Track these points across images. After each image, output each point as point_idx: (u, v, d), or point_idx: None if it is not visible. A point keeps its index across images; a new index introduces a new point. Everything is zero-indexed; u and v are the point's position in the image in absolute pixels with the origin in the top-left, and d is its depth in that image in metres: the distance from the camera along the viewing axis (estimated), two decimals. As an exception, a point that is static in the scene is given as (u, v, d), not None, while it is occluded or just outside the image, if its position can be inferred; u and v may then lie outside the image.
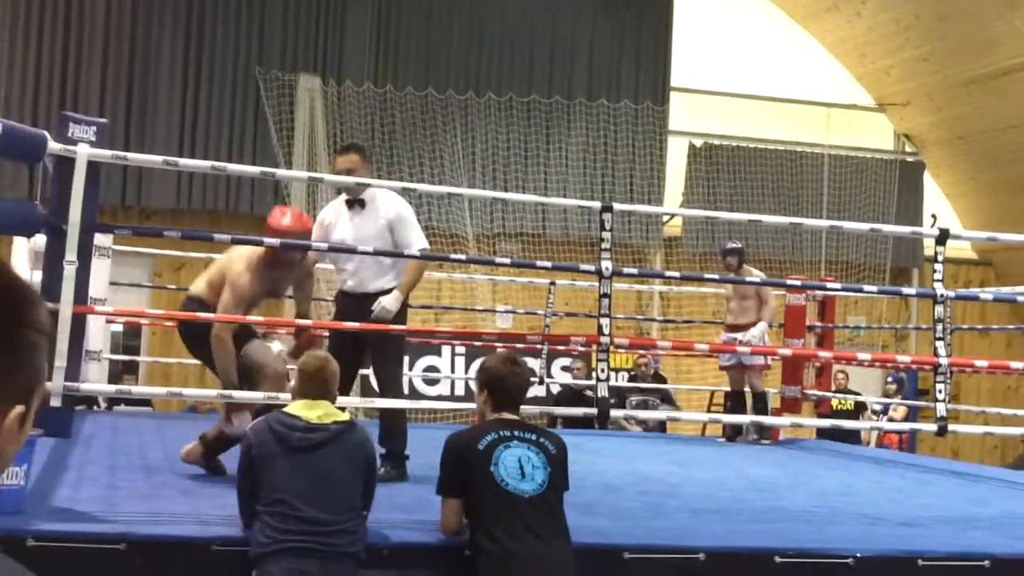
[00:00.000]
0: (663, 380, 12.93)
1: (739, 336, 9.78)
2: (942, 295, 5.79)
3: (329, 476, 3.92)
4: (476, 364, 13.97)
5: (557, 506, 4.07)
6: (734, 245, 10.14)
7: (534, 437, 4.13)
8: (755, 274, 10.09)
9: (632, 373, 13.19)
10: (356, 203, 5.87)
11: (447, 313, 13.83)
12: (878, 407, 13.38)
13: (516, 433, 4.11)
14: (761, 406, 10.07)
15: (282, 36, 14.70)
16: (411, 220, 5.97)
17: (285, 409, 4.11)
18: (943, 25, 15.31)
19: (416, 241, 5.91)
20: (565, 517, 4.08)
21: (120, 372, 12.43)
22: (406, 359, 13.49)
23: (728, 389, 10.50)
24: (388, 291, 5.91)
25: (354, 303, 5.99)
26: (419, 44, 15.15)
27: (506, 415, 4.20)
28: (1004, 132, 15.86)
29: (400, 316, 5.99)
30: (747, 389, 10.07)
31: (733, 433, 10.25)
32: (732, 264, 9.98)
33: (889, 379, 13.95)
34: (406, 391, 13.56)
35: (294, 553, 3.73)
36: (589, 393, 11.05)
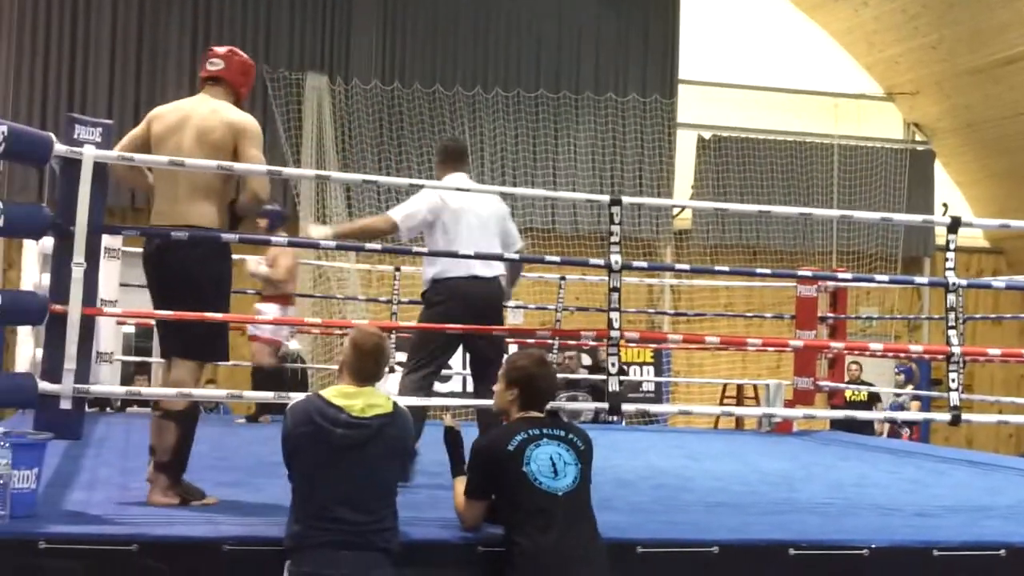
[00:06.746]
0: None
1: (261, 307, 8.89)
2: (954, 284, 5.73)
3: (369, 475, 3.83)
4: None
5: (588, 502, 4.05)
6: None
7: (563, 434, 4.10)
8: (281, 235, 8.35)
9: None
10: None
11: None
12: (902, 399, 13.26)
13: (545, 431, 4.07)
14: (271, 386, 8.32)
15: (289, 34, 14.73)
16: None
17: (326, 394, 3.88)
18: (951, 13, 15.23)
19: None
20: (594, 512, 4.06)
21: (132, 373, 12.46)
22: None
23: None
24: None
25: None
26: (426, 41, 15.16)
27: (533, 414, 4.18)
28: (1014, 120, 15.78)
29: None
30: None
31: (258, 412, 9.17)
32: (263, 227, 8.63)
33: (897, 370, 13.86)
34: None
35: (329, 546, 3.71)
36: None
